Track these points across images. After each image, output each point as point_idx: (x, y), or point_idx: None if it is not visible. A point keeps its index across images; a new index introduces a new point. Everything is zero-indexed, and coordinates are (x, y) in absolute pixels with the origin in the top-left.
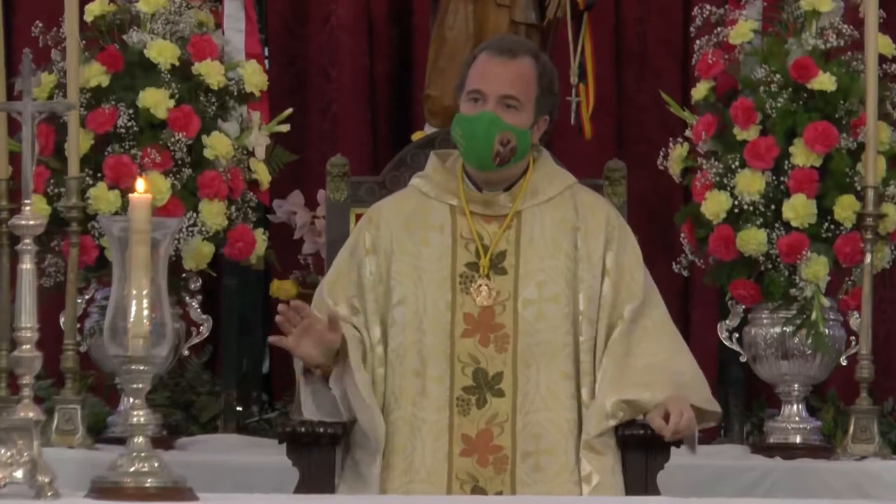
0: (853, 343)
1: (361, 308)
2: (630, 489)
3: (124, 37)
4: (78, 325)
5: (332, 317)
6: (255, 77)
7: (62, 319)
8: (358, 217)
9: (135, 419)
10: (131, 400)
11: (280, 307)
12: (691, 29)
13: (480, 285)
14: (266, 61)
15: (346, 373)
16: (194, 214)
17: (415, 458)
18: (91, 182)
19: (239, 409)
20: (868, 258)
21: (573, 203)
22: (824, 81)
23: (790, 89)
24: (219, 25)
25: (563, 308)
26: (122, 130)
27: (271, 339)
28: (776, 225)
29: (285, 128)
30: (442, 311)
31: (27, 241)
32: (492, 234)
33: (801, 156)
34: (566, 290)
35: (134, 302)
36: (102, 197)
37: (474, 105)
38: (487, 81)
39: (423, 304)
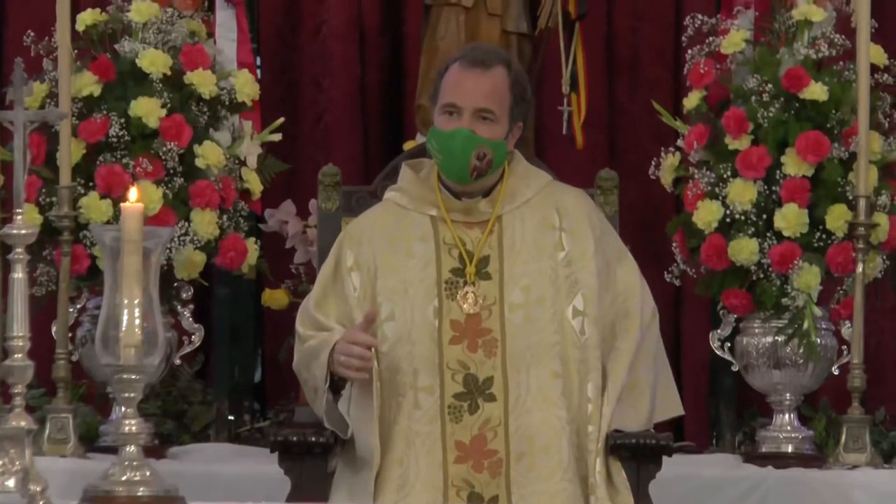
0: (845, 352)
1: (350, 325)
2: None
3: (116, 46)
4: (70, 334)
5: (369, 317)
6: (246, 86)
7: (54, 328)
8: None
9: (127, 428)
10: (123, 409)
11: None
12: (683, 38)
13: (467, 293)
14: (258, 71)
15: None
16: (186, 224)
17: (409, 473)
18: (83, 191)
19: (231, 418)
20: (860, 268)
21: (553, 203)
22: (816, 91)
23: (782, 99)
24: (210, 35)
25: (549, 309)
26: (114, 140)
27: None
28: (768, 234)
29: (277, 137)
30: (429, 319)
31: (19, 250)
32: (474, 240)
33: (793, 165)
34: (551, 291)
35: (125, 311)
36: (94, 206)
37: (449, 119)
38: (462, 95)
39: (410, 315)
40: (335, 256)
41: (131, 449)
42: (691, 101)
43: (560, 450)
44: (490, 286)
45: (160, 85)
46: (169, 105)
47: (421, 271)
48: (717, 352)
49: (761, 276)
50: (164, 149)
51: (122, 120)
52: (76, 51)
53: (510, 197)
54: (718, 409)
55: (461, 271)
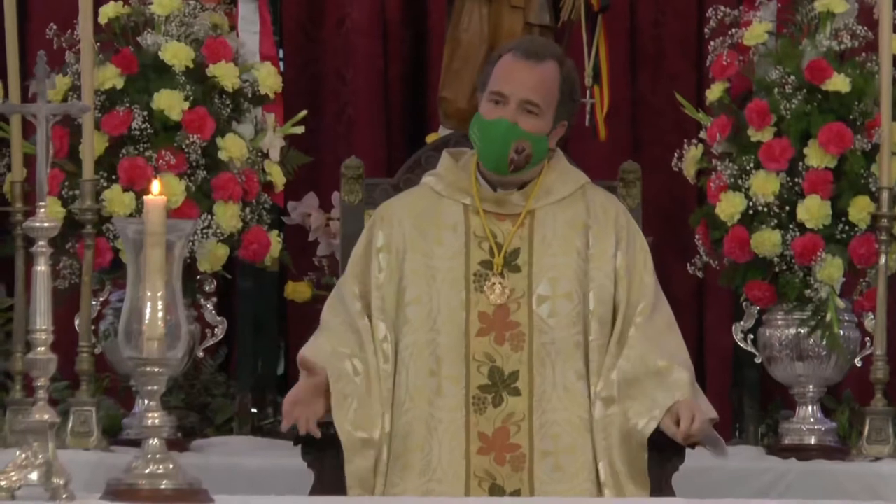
0: (868, 344)
1: (367, 304)
2: None
3: (139, 39)
4: (93, 328)
5: (304, 365)
6: (269, 79)
7: (77, 321)
8: None
9: (150, 421)
10: (146, 402)
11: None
12: (706, 30)
13: (494, 283)
14: (280, 63)
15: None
16: (209, 216)
17: (432, 458)
18: (105, 184)
19: (254, 411)
20: (883, 259)
21: (585, 202)
22: (839, 83)
23: (805, 91)
24: (233, 27)
25: (576, 306)
26: (137, 132)
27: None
28: (791, 226)
29: (300, 130)
30: (456, 309)
31: (42, 243)
32: (505, 232)
33: (816, 157)
34: (577, 288)
35: (149, 304)
36: (117, 199)
37: (495, 107)
38: (511, 84)
39: (436, 303)
40: (367, 236)
41: (154, 442)
42: (714, 93)
43: (584, 451)
44: (519, 279)
45: (183, 78)
46: (192, 98)
47: (449, 260)
48: (740, 344)
49: (784, 267)
50: (187, 141)
51: (145, 113)
52: (99, 44)
53: (545, 192)
54: (741, 402)
55: (490, 263)
